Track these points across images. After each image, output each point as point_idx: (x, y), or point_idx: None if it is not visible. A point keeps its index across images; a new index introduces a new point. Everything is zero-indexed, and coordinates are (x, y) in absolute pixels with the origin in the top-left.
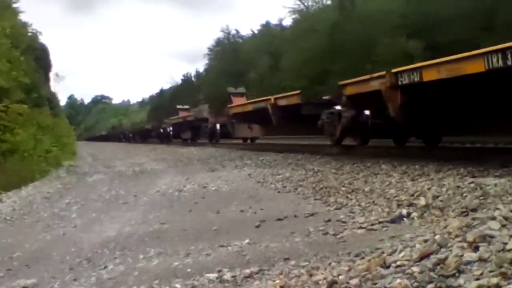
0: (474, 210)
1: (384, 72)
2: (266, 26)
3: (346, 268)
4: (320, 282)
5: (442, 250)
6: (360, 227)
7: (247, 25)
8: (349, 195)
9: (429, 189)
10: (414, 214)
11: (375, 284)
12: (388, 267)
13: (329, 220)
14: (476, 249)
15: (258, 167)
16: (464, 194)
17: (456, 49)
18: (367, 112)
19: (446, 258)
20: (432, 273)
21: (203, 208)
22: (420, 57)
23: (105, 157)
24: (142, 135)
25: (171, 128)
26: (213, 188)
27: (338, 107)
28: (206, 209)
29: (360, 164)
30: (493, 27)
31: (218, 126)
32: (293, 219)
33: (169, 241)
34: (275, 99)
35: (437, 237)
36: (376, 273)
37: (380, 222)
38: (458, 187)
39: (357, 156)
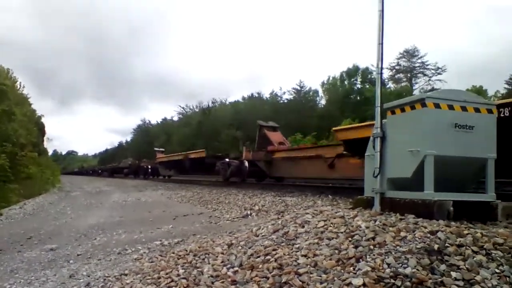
0: (282, 212)
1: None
2: (165, 120)
3: (233, 238)
4: (220, 244)
5: (285, 228)
6: (228, 219)
7: (154, 118)
8: (218, 204)
9: (259, 202)
10: (254, 213)
11: (254, 244)
12: (258, 236)
13: (210, 216)
14: (302, 227)
15: (166, 190)
16: (277, 204)
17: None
18: (246, 163)
19: (288, 231)
20: (282, 238)
21: (141, 210)
22: (242, 140)
23: (77, 183)
24: (112, 171)
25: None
26: (143, 200)
27: (227, 160)
28: (143, 210)
29: (221, 189)
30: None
31: (149, 168)
32: (191, 216)
33: (128, 226)
34: (187, 154)
35: (280, 221)
36: (253, 239)
37: (237, 217)
38: (273, 201)
39: (218, 186)
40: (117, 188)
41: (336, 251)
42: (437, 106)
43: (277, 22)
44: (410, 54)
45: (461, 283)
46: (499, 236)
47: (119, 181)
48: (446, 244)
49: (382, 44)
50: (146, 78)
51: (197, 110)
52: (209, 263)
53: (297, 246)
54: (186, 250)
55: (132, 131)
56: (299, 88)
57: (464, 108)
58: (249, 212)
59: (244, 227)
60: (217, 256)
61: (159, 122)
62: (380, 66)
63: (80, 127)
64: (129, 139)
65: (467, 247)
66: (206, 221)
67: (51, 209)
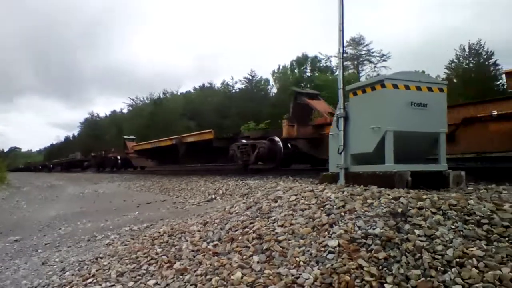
0: (246, 194)
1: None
2: (114, 112)
3: (207, 217)
4: (194, 224)
5: (258, 204)
6: (193, 204)
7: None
8: (180, 191)
9: (222, 186)
10: (218, 197)
11: (229, 220)
12: (231, 213)
13: (174, 202)
14: (275, 202)
15: (123, 181)
16: (240, 187)
17: (211, 127)
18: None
19: (261, 207)
20: (257, 213)
21: (101, 200)
22: (194, 130)
23: (25, 179)
24: (67, 166)
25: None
26: (101, 191)
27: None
28: (103, 201)
29: (181, 177)
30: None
31: (119, 159)
32: (155, 203)
33: (91, 215)
34: (181, 138)
35: (254, 199)
36: (227, 216)
37: (202, 202)
38: (236, 185)
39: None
40: (69, 182)
41: (311, 220)
42: (395, 86)
43: (226, 13)
44: (356, 42)
45: (423, 238)
46: (453, 198)
47: (70, 176)
48: (408, 208)
49: (342, 30)
50: (94, 71)
51: (148, 101)
52: (186, 241)
53: (273, 218)
54: (159, 232)
55: (79, 125)
56: (250, 77)
57: (418, 88)
58: (213, 196)
59: (210, 210)
60: (193, 234)
61: (108, 115)
62: (341, 51)
63: (23, 123)
64: (76, 133)
65: (426, 209)
66: (172, 207)
67: (4, 205)
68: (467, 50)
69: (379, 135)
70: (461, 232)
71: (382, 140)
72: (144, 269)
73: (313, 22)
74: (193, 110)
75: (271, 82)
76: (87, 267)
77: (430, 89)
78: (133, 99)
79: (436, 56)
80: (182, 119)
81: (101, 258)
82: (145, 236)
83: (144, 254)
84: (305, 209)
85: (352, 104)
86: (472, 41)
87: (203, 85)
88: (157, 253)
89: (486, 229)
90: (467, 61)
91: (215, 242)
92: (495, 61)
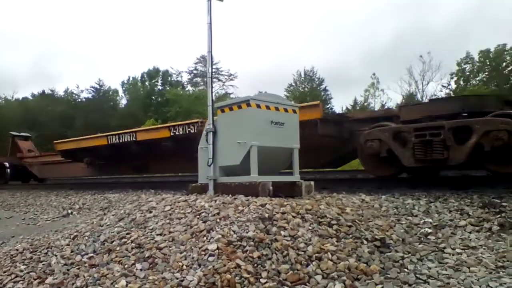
0: (106, 208)
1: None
2: None
3: (73, 231)
4: (59, 239)
5: (131, 215)
6: (47, 220)
7: None
8: (28, 207)
9: (78, 200)
10: (75, 212)
11: (101, 233)
12: (102, 226)
13: (23, 219)
14: (150, 212)
15: None
16: (99, 201)
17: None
18: None
19: (135, 218)
20: (131, 224)
21: None
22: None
23: None
24: None
25: None
26: None
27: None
28: None
29: (26, 192)
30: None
31: (7, 167)
32: (0, 220)
33: None
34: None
35: (125, 210)
36: (98, 229)
37: (57, 217)
38: (95, 198)
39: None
40: None
41: (189, 227)
42: (258, 106)
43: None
44: (206, 60)
45: (288, 238)
46: (308, 204)
47: None
48: (274, 213)
49: (211, 52)
50: None
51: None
52: (55, 255)
53: (150, 227)
54: (17, 250)
55: None
56: (98, 86)
57: (277, 108)
58: (69, 211)
59: (69, 225)
60: (62, 249)
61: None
62: (210, 70)
63: None
64: None
65: (288, 213)
66: (22, 223)
67: None
68: (302, 75)
69: (245, 149)
70: (317, 232)
71: (247, 153)
72: (9, 287)
73: (164, 35)
74: (33, 119)
75: (120, 92)
76: None
77: (286, 110)
78: None
79: (276, 78)
80: (20, 129)
81: None
82: None
83: (5, 272)
84: (182, 218)
85: (220, 120)
86: (306, 67)
87: (44, 91)
88: (21, 270)
89: (335, 228)
90: (303, 85)
91: (90, 255)
92: (325, 87)
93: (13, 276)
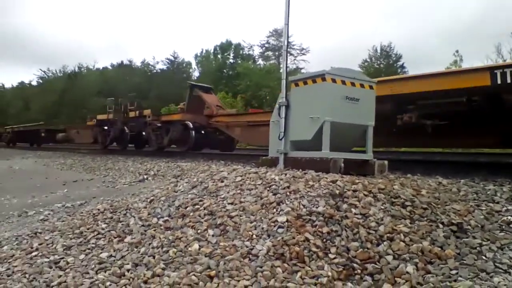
0: (179, 176)
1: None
2: (22, 84)
3: (149, 195)
4: (137, 201)
5: (203, 184)
6: (124, 184)
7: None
8: (107, 171)
9: (153, 167)
10: (150, 178)
11: (176, 198)
12: (177, 192)
13: (104, 182)
14: (222, 182)
15: (38, 158)
16: (172, 169)
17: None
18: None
19: (208, 186)
20: (204, 192)
21: (20, 177)
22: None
23: None
24: None
25: None
26: (17, 168)
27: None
28: (22, 178)
29: (105, 156)
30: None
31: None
32: (82, 181)
33: (14, 192)
34: None
35: (198, 179)
36: (173, 194)
37: (134, 182)
38: (168, 166)
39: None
40: None
41: (259, 198)
42: (333, 81)
43: None
44: (278, 33)
45: (359, 216)
46: (380, 183)
47: None
48: (345, 190)
49: (288, 24)
50: None
51: (61, 75)
52: (133, 217)
53: (222, 196)
54: (99, 209)
55: None
56: (173, 58)
57: (353, 84)
58: (145, 177)
59: (145, 190)
60: (140, 211)
61: (15, 86)
62: (286, 43)
63: None
64: None
65: (359, 191)
66: (102, 186)
67: None
68: (378, 51)
69: (318, 124)
70: (389, 212)
71: (320, 129)
72: (92, 243)
73: (236, 9)
74: (110, 89)
75: (193, 65)
76: (27, 242)
77: (362, 86)
78: (44, 71)
79: (350, 53)
80: (99, 97)
81: (40, 233)
82: (82, 213)
83: (88, 229)
84: (252, 189)
85: (293, 94)
86: (383, 43)
87: (122, 62)
88: (103, 228)
89: (409, 210)
90: (378, 62)
91: (166, 218)
92: (402, 63)
93: (95, 233)
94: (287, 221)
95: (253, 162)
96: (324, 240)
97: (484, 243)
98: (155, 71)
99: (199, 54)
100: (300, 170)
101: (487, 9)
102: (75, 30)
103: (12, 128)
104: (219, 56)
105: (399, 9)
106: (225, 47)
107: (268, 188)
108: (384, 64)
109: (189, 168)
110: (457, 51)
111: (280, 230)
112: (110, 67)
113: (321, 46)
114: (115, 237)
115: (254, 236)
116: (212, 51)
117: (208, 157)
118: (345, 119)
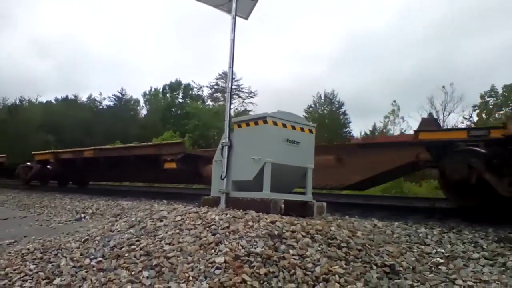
0: (119, 215)
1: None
2: None
3: (84, 235)
4: (70, 241)
5: (141, 223)
6: (60, 222)
7: None
8: (42, 208)
9: (92, 205)
10: (87, 217)
11: (111, 238)
12: (113, 231)
13: (37, 220)
14: (161, 221)
15: None
16: (112, 208)
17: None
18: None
19: (146, 226)
20: (141, 232)
21: None
22: (53, 145)
23: None
24: None
25: None
26: None
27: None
28: None
29: (42, 193)
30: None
31: None
32: (13, 219)
33: None
34: None
35: (136, 218)
36: (109, 234)
37: (70, 221)
38: (108, 205)
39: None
40: None
41: (198, 238)
42: (275, 123)
43: (99, 26)
44: (227, 76)
45: (297, 257)
46: (318, 225)
47: None
48: (283, 230)
49: (232, 68)
50: None
51: (0, 107)
52: (65, 257)
53: (160, 236)
54: (28, 249)
55: None
56: (120, 95)
57: (293, 127)
58: (82, 215)
59: (81, 229)
60: (72, 251)
61: None
62: (230, 86)
63: None
64: None
65: (298, 232)
66: (35, 224)
67: None
68: (322, 97)
69: (259, 165)
70: (326, 253)
71: (261, 170)
72: (18, 285)
73: (186, 50)
74: (54, 124)
75: (142, 103)
76: None
77: (302, 129)
78: None
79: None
80: (40, 132)
81: None
82: (10, 252)
83: (15, 270)
84: (192, 229)
85: (236, 135)
86: (327, 90)
87: (67, 96)
88: (30, 270)
89: (344, 251)
90: (322, 108)
91: (99, 259)
92: (345, 110)
93: (22, 274)
94: (225, 262)
95: (196, 202)
96: (262, 281)
97: (415, 284)
98: (101, 107)
99: (147, 92)
100: (241, 210)
101: (425, 66)
102: (17, 62)
103: None
104: (168, 95)
105: (346, 60)
106: (174, 86)
107: (207, 228)
108: (327, 110)
109: (129, 207)
110: (394, 101)
111: (217, 272)
112: (54, 101)
113: (270, 90)
114: (43, 279)
115: (190, 277)
116: (161, 89)
117: (151, 196)
118: (285, 160)
